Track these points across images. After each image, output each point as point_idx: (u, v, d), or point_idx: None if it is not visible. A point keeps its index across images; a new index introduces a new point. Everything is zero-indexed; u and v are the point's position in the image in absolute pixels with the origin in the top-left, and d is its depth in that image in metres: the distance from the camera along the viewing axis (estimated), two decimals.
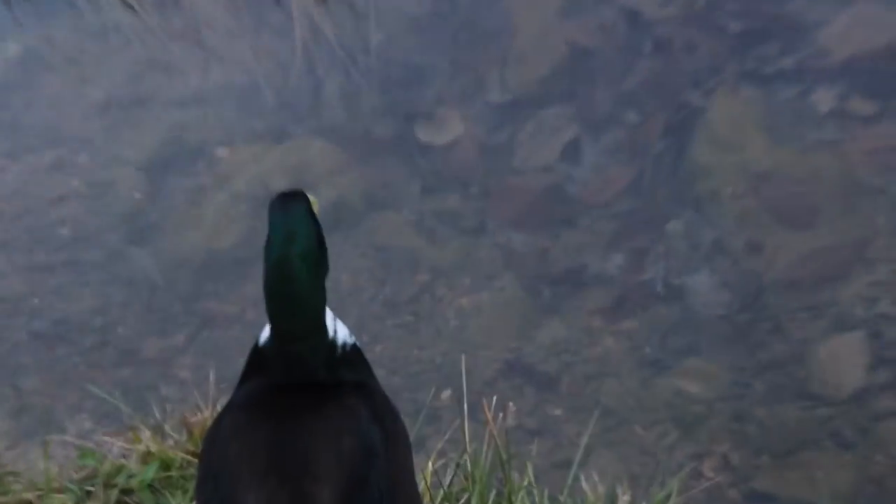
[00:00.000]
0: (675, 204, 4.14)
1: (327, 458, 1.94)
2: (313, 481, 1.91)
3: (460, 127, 4.46)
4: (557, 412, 3.68)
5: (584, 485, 2.61)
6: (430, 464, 2.65)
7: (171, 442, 2.72)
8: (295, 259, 1.94)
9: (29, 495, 2.48)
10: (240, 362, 3.84)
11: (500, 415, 2.64)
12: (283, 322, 1.99)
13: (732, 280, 3.91)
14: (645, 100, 4.42)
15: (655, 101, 4.39)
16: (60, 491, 2.54)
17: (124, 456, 2.68)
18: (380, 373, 3.78)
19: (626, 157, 4.30)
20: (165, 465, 2.61)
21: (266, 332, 2.07)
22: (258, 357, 2.10)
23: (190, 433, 2.70)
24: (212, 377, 2.82)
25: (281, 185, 4.36)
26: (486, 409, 2.57)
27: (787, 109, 4.18)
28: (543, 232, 4.16)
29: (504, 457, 2.54)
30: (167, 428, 2.70)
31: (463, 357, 2.80)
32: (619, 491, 2.67)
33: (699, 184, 4.16)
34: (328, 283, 1.99)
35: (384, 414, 2.11)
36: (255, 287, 4.07)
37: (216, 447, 1.99)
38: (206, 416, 2.73)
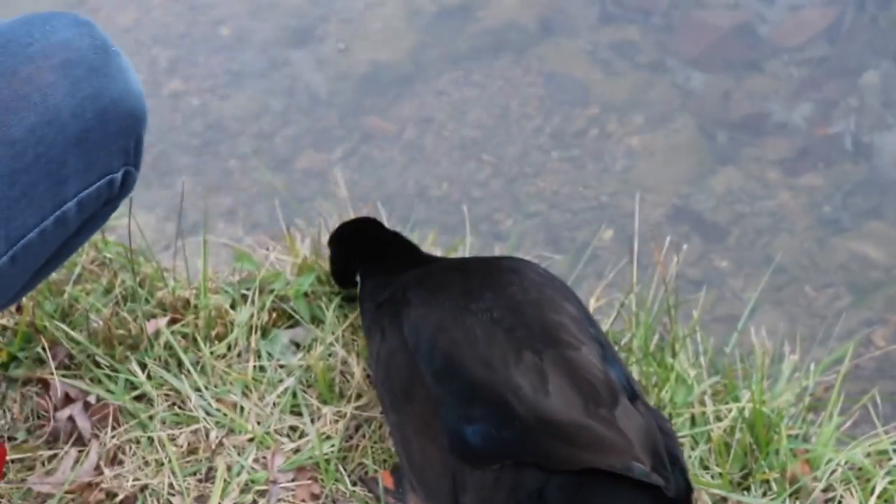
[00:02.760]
0: (873, 54, 4.04)
1: (566, 324, 1.98)
2: (568, 347, 1.95)
3: None
4: (724, 264, 3.69)
5: (753, 338, 2.63)
6: (592, 301, 2.70)
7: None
8: None
9: (185, 293, 2.60)
10: (397, 181, 3.92)
11: (673, 259, 2.67)
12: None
13: None
14: None
15: None
16: (216, 292, 2.65)
17: (278, 265, 2.78)
18: (541, 207, 3.84)
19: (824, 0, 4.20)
20: (319, 278, 2.70)
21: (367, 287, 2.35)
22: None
23: None
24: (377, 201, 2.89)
25: (452, 1, 4.36)
26: (657, 250, 2.59)
27: None
28: (726, 73, 4.11)
29: (671, 301, 2.57)
30: (324, 240, 2.79)
31: (637, 193, 2.81)
32: (786, 350, 2.68)
33: None
34: None
35: (561, 281, 2.18)
36: (418, 106, 4.12)
37: (427, 339, 2.02)
38: None
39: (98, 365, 2.49)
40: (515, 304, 2.03)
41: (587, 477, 1.84)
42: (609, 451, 1.83)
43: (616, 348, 2.59)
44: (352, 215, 2.84)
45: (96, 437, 2.41)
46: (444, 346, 1.99)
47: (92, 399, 2.44)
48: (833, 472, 2.43)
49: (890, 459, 2.48)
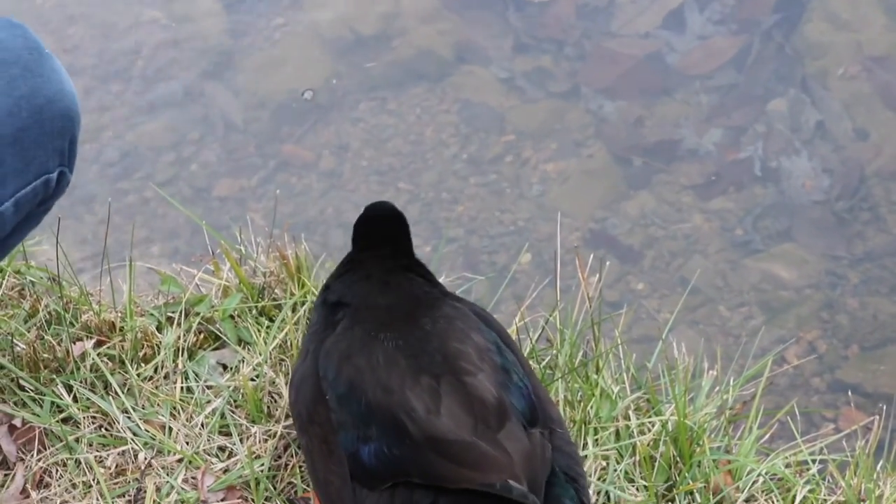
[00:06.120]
0: (780, 82, 4.15)
1: (467, 353, 2.05)
2: (465, 374, 2.01)
3: None
4: (639, 286, 3.75)
5: (675, 352, 2.70)
6: (515, 321, 2.74)
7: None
8: None
9: (111, 316, 2.59)
10: (315, 208, 3.93)
11: (596, 276, 2.73)
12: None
13: (834, 166, 3.93)
14: None
15: None
16: (142, 315, 2.65)
17: (203, 289, 2.78)
18: (459, 232, 3.88)
19: (732, 29, 4.30)
20: (245, 301, 2.71)
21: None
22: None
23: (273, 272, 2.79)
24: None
25: (367, 29, 4.40)
26: (581, 268, 2.64)
27: None
28: (638, 101, 4.19)
29: (595, 318, 2.62)
30: (254, 262, 2.80)
31: (558, 215, 2.86)
32: (705, 366, 2.74)
33: (808, 62, 4.17)
34: None
35: (486, 317, 2.24)
36: (334, 133, 4.14)
37: (334, 366, 2.09)
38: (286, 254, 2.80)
39: (23, 388, 2.47)
40: (423, 334, 2.11)
41: (475, 498, 1.90)
42: (489, 469, 1.90)
43: (541, 365, 2.64)
44: (269, 242, 2.84)
45: (22, 460, 2.40)
46: (348, 373, 2.07)
47: (17, 422, 2.43)
48: (755, 482, 2.49)
49: (809, 469, 2.54)
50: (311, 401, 2.12)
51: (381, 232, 2.37)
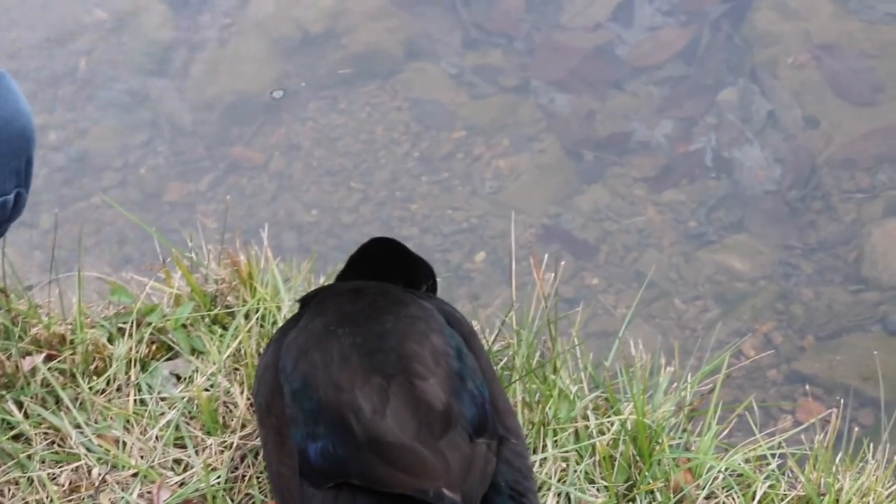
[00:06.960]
0: (729, 72, 4.15)
1: (423, 355, 2.02)
2: (417, 377, 1.99)
3: None
4: (595, 281, 3.74)
5: (633, 351, 2.68)
6: (472, 323, 2.71)
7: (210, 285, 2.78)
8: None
9: (60, 328, 2.55)
10: (267, 210, 3.89)
11: (551, 275, 2.71)
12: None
13: (785, 155, 3.94)
14: None
15: None
16: (92, 326, 2.61)
17: (155, 298, 2.74)
18: (413, 231, 3.85)
19: (681, 20, 4.30)
20: (197, 306, 2.68)
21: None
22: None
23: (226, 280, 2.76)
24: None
25: (315, 28, 4.36)
26: (536, 267, 2.62)
27: None
28: (589, 94, 4.18)
29: (551, 318, 2.60)
30: (205, 269, 2.76)
31: (512, 213, 2.84)
32: (662, 362, 2.73)
33: (757, 52, 4.17)
34: None
35: (456, 317, 2.22)
36: (284, 134, 4.10)
37: (292, 359, 2.07)
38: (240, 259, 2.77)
39: None
40: (383, 331, 2.08)
41: None
42: (425, 476, 1.88)
43: (498, 367, 2.62)
44: (220, 248, 2.80)
45: None
46: (303, 368, 2.05)
47: None
48: (715, 479, 2.48)
49: (769, 464, 2.54)
50: (269, 392, 2.10)
51: (369, 265, 2.38)
